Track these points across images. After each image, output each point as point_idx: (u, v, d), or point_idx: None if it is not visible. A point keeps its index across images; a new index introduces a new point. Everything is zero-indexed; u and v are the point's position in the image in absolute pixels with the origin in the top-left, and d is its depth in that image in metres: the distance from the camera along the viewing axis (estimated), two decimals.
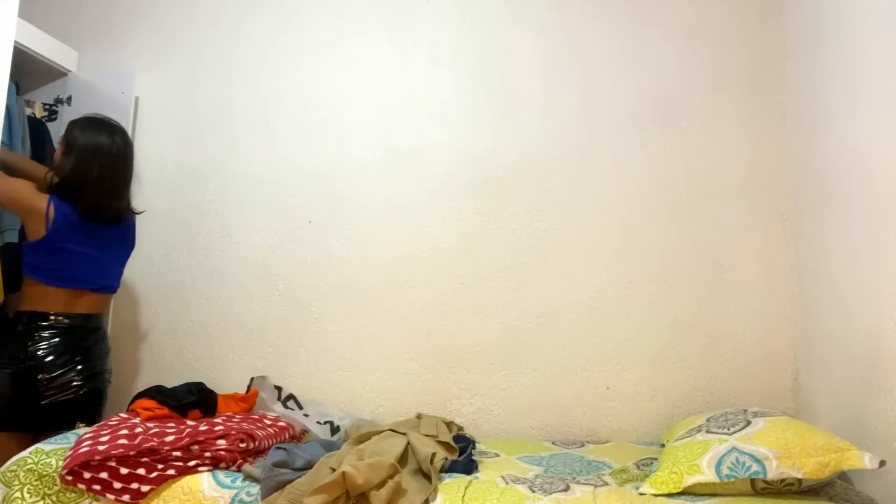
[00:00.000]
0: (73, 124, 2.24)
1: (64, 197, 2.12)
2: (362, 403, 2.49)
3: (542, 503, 1.57)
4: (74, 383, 2.10)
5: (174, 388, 2.23)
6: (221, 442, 1.79)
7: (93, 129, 2.23)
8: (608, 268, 2.49)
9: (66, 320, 2.14)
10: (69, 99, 2.68)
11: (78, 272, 2.17)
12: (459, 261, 2.53)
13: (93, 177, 2.15)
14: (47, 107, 2.69)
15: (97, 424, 1.87)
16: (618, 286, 2.47)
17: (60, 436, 1.86)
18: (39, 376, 2.04)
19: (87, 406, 2.16)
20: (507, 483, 1.71)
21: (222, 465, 1.76)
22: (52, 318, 2.11)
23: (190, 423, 1.94)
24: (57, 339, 2.10)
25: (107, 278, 2.30)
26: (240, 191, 2.66)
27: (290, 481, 1.62)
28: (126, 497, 1.65)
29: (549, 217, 2.53)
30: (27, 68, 2.54)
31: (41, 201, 2.09)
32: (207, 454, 1.75)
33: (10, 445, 1.92)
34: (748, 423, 1.73)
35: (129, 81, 2.69)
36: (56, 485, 1.67)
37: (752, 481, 1.57)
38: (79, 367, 2.12)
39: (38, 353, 2.06)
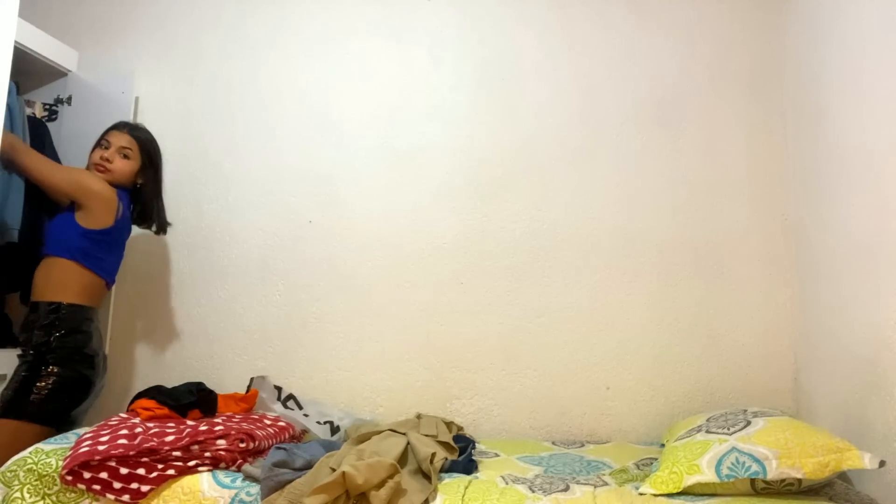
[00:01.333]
0: (149, 136, 2.33)
1: (133, 200, 2.28)
2: (362, 403, 2.49)
3: (542, 503, 1.57)
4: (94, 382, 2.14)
5: (174, 388, 2.23)
6: (221, 442, 1.79)
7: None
8: (608, 268, 2.49)
9: (94, 318, 2.18)
10: (69, 99, 2.68)
11: (113, 267, 2.26)
12: (459, 261, 2.53)
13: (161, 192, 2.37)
14: (47, 107, 2.69)
15: (97, 425, 1.87)
16: (618, 286, 2.47)
17: (60, 436, 1.86)
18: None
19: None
20: (507, 483, 1.71)
21: (222, 465, 1.75)
22: (90, 312, 2.15)
23: (190, 423, 1.93)
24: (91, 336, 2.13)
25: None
26: (240, 191, 2.66)
27: (290, 481, 1.62)
28: (126, 497, 1.65)
29: (549, 217, 2.53)
30: (27, 68, 2.54)
31: (112, 192, 2.17)
32: (207, 454, 1.75)
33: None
34: (748, 423, 1.73)
35: (129, 81, 2.69)
36: (56, 485, 1.67)
37: (752, 481, 1.57)
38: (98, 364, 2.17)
39: (86, 347, 2.09)
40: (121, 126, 2.31)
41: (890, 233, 1.73)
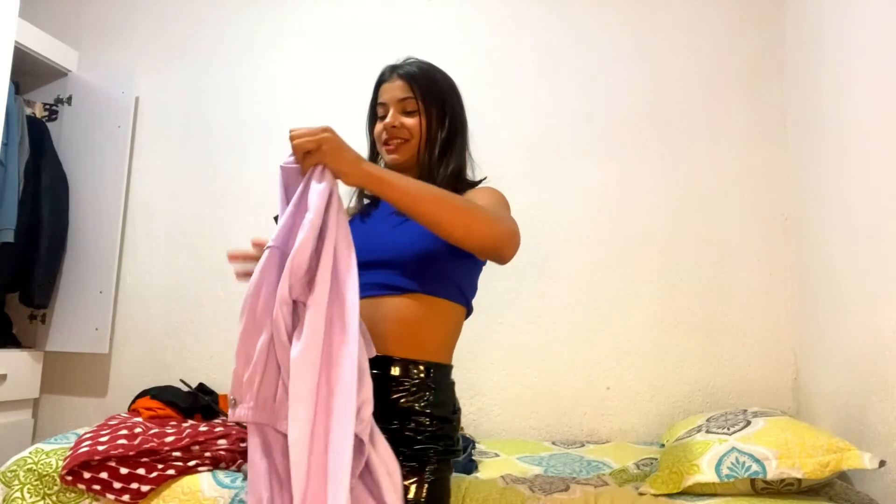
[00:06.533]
0: (426, 66, 1.59)
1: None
2: None
3: (542, 503, 1.57)
4: None
5: (175, 388, 2.23)
6: (221, 442, 1.79)
7: None
8: (608, 268, 2.48)
9: None
10: (69, 99, 2.68)
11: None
12: None
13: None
14: (47, 107, 2.70)
15: (97, 424, 1.87)
16: (618, 286, 2.47)
17: (60, 435, 1.86)
18: None
19: None
20: (507, 483, 1.71)
21: (222, 465, 1.75)
22: None
23: (190, 423, 1.94)
24: None
25: None
26: (239, 190, 2.66)
27: None
28: (126, 497, 1.65)
29: (548, 217, 2.53)
30: (27, 68, 2.55)
31: None
32: (207, 454, 1.75)
33: None
34: (748, 423, 1.73)
35: (129, 81, 2.69)
36: (56, 485, 1.67)
37: (752, 481, 1.57)
38: None
39: None
40: (386, 73, 1.54)
41: (890, 233, 1.73)
